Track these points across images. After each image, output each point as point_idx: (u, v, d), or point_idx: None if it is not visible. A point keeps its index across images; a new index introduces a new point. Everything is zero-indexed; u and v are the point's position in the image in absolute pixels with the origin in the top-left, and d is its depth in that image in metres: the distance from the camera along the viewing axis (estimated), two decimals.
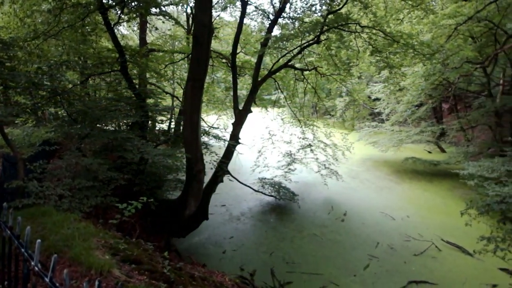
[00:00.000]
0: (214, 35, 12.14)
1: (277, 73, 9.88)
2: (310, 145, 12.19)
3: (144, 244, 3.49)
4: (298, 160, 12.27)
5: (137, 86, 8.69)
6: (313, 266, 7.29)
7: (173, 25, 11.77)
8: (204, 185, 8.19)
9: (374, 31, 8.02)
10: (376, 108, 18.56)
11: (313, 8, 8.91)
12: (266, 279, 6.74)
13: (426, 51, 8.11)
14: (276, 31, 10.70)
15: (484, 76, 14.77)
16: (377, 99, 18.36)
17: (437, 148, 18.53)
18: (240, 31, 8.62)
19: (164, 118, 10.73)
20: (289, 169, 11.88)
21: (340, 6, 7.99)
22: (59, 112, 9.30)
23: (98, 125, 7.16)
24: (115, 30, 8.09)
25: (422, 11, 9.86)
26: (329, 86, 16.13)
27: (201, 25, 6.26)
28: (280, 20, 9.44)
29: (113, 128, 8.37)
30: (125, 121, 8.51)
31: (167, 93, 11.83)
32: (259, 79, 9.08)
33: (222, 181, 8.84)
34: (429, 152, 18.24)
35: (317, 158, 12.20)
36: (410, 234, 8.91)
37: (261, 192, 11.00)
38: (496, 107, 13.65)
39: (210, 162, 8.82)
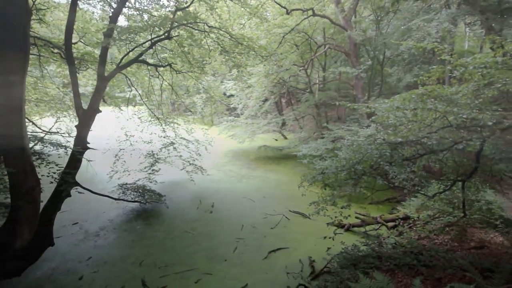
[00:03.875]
0: (38, 18, 9.74)
1: (128, 68, 9.09)
2: (172, 143, 11.97)
3: None
4: (162, 160, 11.81)
5: None
6: (187, 263, 7.32)
7: None
8: (43, 204, 6.60)
9: (221, 32, 8.69)
10: (231, 104, 20.25)
11: (161, 2, 8.67)
12: None
13: (264, 53, 9.56)
14: (123, 22, 9.76)
15: (306, 76, 18.89)
16: (231, 95, 20.06)
17: (281, 136, 22.31)
18: (73, 16, 7.28)
19: None
20: (153, 170, 11.26)
21: (188, 4, 8.16)
22: None
23: None
24: None
25: (258, 19, 11.50)
26: (186, 83, 16.26)
27: (10, 2, 4.87)
28: (125, 10, 8.65)
29: None
30: None
31: None
32: (106, 74, 8.06)
33: (69, 195, 7.38)
34: (276, 139, 21.71)
35: (181, 156, 12.14)
36: (266, 211, 10.41)
37: (123, 200, 9.96)
38: (316, 101, 17.80)
39: (49, 175, 7.16)
